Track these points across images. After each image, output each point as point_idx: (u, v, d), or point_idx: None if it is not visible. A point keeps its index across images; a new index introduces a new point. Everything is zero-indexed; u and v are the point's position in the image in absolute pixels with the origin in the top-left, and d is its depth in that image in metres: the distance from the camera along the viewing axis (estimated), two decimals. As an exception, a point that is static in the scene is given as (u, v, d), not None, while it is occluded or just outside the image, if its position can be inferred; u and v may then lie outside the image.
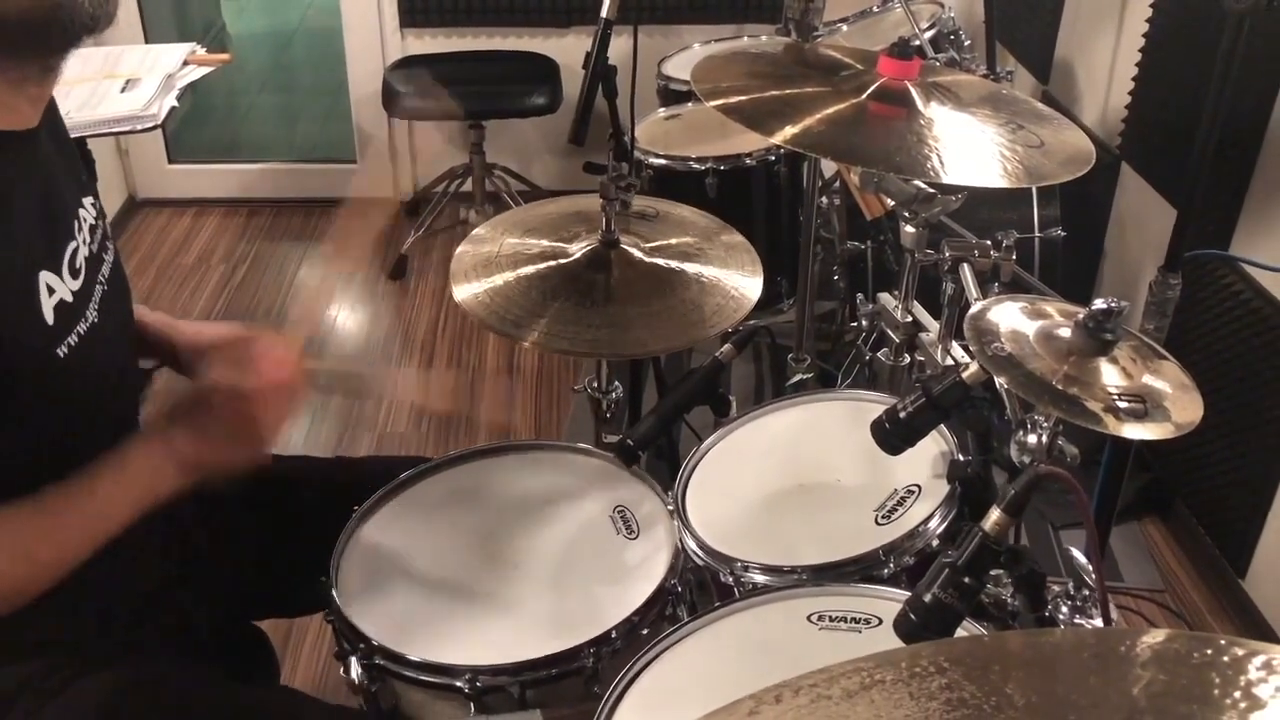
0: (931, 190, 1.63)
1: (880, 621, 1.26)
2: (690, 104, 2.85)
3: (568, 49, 3.88)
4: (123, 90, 2.52)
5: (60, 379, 1.21)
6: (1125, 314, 1.15)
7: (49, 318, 1.19)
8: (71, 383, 1.23)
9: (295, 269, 3.81)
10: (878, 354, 1.87)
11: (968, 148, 1.45)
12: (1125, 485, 2.01)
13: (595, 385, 1.92)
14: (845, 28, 3.02)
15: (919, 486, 1.46)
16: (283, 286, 3.70)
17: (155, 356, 1.53)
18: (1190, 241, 1.85)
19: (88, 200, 1.35)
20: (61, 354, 1.21)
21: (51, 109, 1.30)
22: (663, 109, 2.87)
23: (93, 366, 1.27)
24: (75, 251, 1.27)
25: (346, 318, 3.57)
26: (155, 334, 1.52)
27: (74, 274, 1.25)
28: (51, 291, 1.20)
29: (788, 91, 1.55)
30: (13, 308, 1.16)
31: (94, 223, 1.34)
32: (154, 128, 2.50)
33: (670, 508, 1.50)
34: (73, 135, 2.47)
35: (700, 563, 1.43)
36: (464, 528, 1.53)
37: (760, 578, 1.38)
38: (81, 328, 1.24)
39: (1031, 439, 1.22)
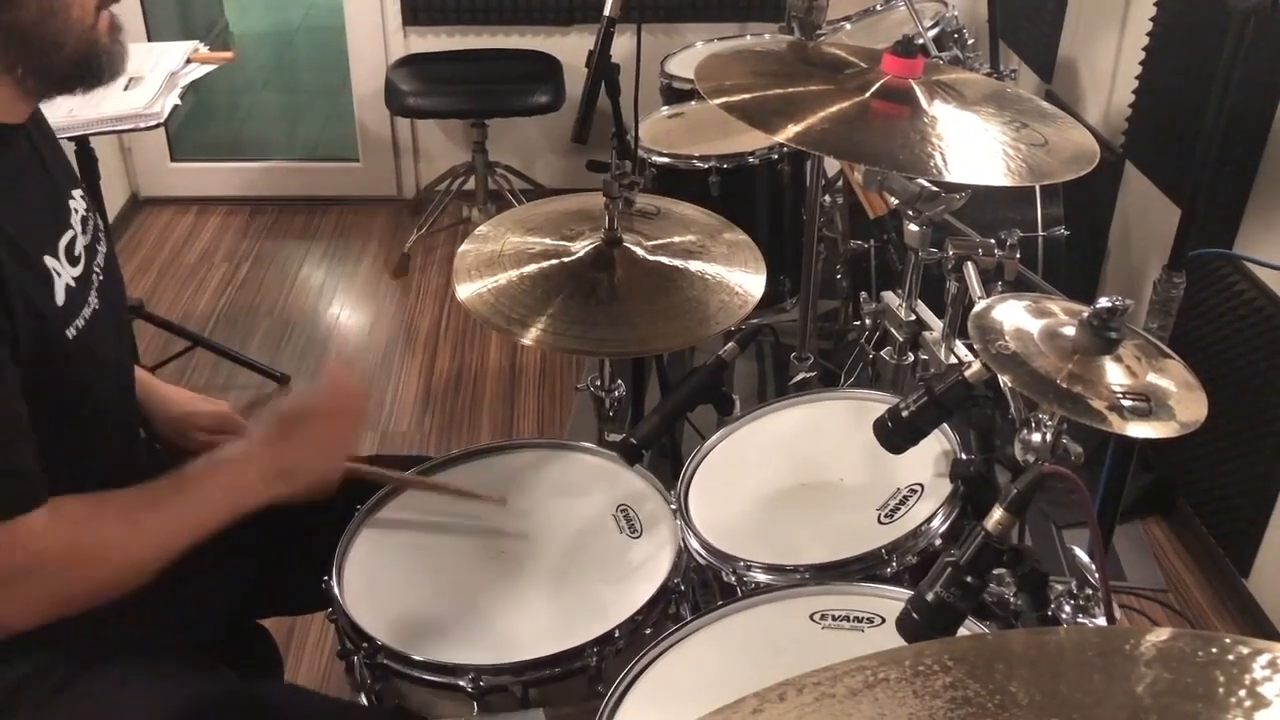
0: (935, 189, 1.63)
1: (883, 620, 1.25)
2: (693, 102, 2.85)
3: (570, 47, 3.88)
4: (125, 88, 2.52)
5: (71, 361, 1.25)
6: (1129, 313, 1.15)
7: (60, 299, 1.24)
8: (80, 365, 1.27)
9: (298, 268, 3.81)
10: (881, 353, 1.87)
11: (971, 146, 1.45)
12: (1128, 484, 2.01)
13: (598, 384, 1.92)
14: (848, 26, 3.01)
15: (922, 485, 1.46)
16: (285, 285, 3.71)
17: None
18: (1194, 240, 1.84)
19: (76, 192, 1.38)
20: (71, 335, 1.25)
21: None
22: (665, 107, 2.87)
23: (97, 352, 1.30)
24: (73, 240, 1.31)
25: (349, 316, 3.58)
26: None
27: (73, 261, 1.29)
28: (58, 275, 1.25)
29: (791, 90, 1.55)
30: (34, 285, 1.20)
31: (85, 214, 1.37)
32: (157, 126, 2.50)
33: (673, 506, 1.50)
34: (76, 133, 2.51)
35: (703, 562, 1.43)
36: (467, 527, 1.52)
37: (763, 577, 1.38)
38: (86, 312, 1.28)
39: (1035, 437, 1.22)
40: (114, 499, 1.24)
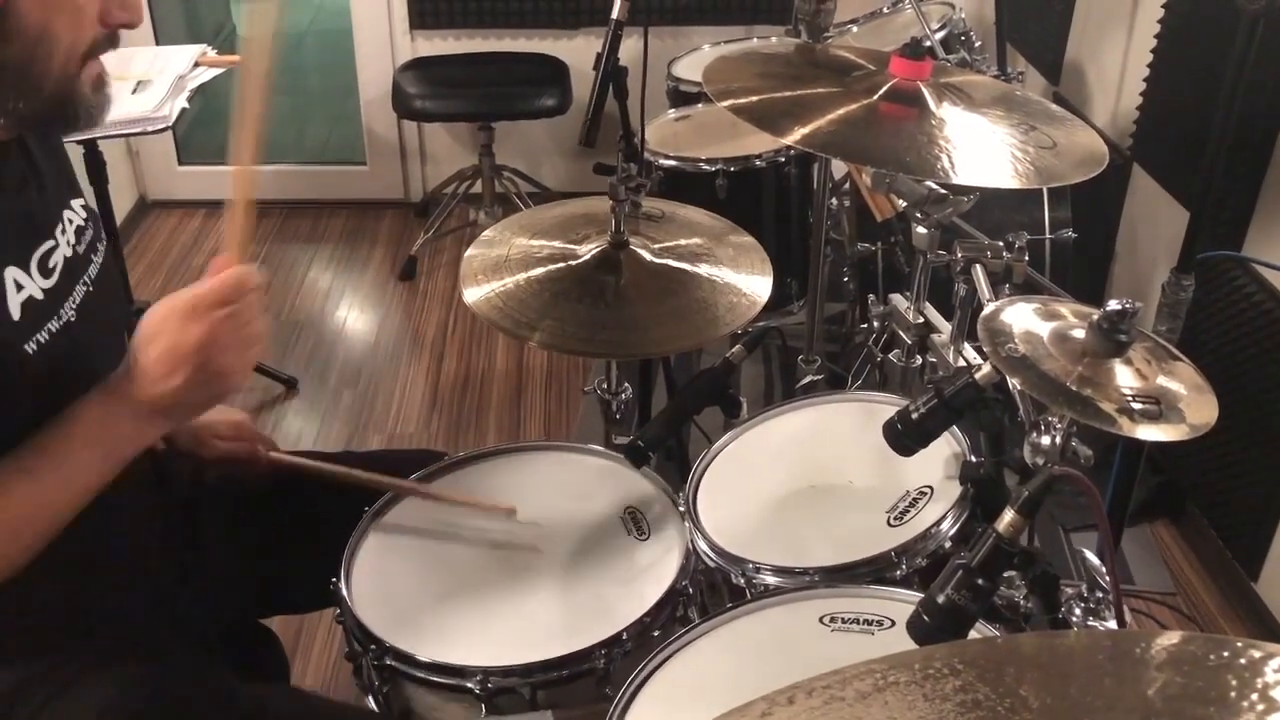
0: (943, 191, 1.63)
1: (893, 623, 1.25)
2: (700, 105, 2.85)
3: (577, 50, 3.89)
4: (134, 92, 2.53)
5: (28, 376, 1.19)
6: (1139, 315, 1.15)
7: (14, 313, 1.18)
8: (41, 381, 1.21)
9: (305, 270, 3.82)
10: (889, 355, 1.87)
11: (979, 148, 1.45)
12: (1136, 488, 2.01)
13: (605, 386, 1.92)
14: (855, 28, 3.01)
15: (931, 488, 1.46)
16: (292, 288, 3.71)
17: None
18: (1203, 243, 1.84)
19: (76, 203, 1.35)
20: (30, 350, 1.19)
21: None
22: (672, 110, 2.87)
23: (66, 366, 1.24)
24: (50, 252, 1.26)
25: (356, 318, 3.58)
26: None
27: (45, 273, 1.24)
28: (20, 287, 1.20)
29: (799, 92, 1.55)
30: None
31: (82, 225, 1.33)
32: (165, 129, 2.51)
33: (681, 509, 1.50)
34: (84, 137, 2.50)
35: (711, 564, 1.42)
36: (474, 529, 1.52)
37: (772, 579, 1.38)
38: (53, 325, 1.23)
39: (1045, 440, 1.21)
40: None
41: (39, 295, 1.22)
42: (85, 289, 1.31)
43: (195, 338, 1.16)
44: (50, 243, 1.27)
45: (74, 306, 1.27)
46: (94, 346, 1.32)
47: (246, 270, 1.21)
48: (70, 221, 1.32)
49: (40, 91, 1.16)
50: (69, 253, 1.29)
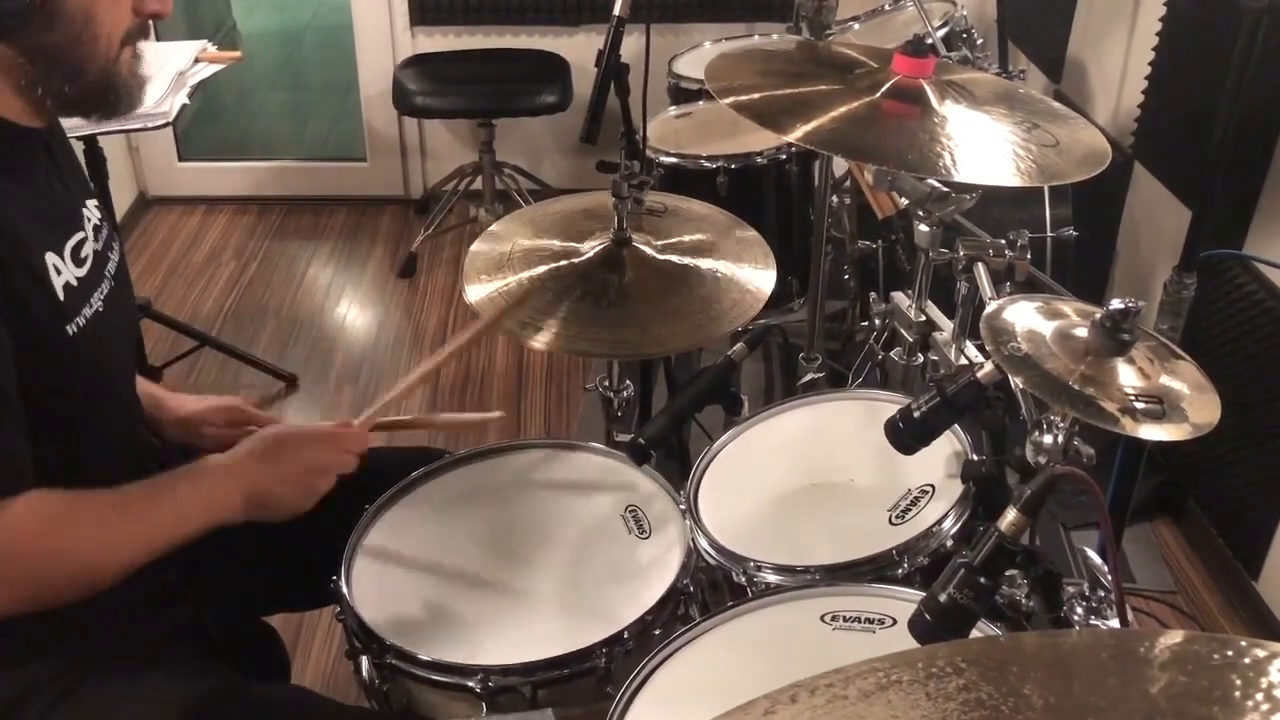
0: (945, 189, 1.63)
1: (894, 622, 1.25)
2: (701, 102, 2.85)
3: (578, 47, 3.88)
4: (134, 88, 2.52)
5: (70, 357, 1.26)
6: (1141, 314, 1.15)
7: (60, 295, 1.25)
8: (80, 363, 1.28)
9: (305, 267, 3.81)
10: (890, 353, 1.87)
11: (982, 146, 1.44)
12: (1137, 486, 2.01)
13: (606, 384, 1.92)
14: (857, 26, 3.01)
15: (933, 486, 1.46)
16: (292, 284, 3.71)
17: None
18: (1205, 241, 1.84)
19: (91, 202, 1.40)
20: (71, 332, 1.26)
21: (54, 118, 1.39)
22: (673, 107, 2.87)
23: (99, 353, 1.31)
24: (81, 243, 1.32)
25: (356, 316, 3.58)
26: (142, 404, 1.55)
27: (78, 263, 1.30)
28: (59, 272, 1.26)
29: (801, 89, 1.55)
30: (30, 276, 1.21)
31: (98, 224, 1.39)
32: (165, 125, 2.50)
33: (682, 507, 1.50)
34: (84, 133, 2.50)
35: (713, 562, 1.42)
36: (475, 527, 1.52)
37: (773, 577, 1.37)
38: (88, 312, 1.29)
39: (1047, 439, 1.21)
40: (91, 500, 1.24)
41: (74, 283, 1.28)
42: (109, 283, 1.37)
43: (313, 468, 1.35)
44: (81, 234, 1.33)
45: (102, 298, 1.33)
46: (115, 338, 1.39)
47: (365, 437, 1.43)
48: (89, 219, 1.37)
49: (85, 75, 1.24)
50: (95, 247, 1.36)
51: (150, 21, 1.29)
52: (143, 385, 1.57)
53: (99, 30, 1.22)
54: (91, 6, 1.20)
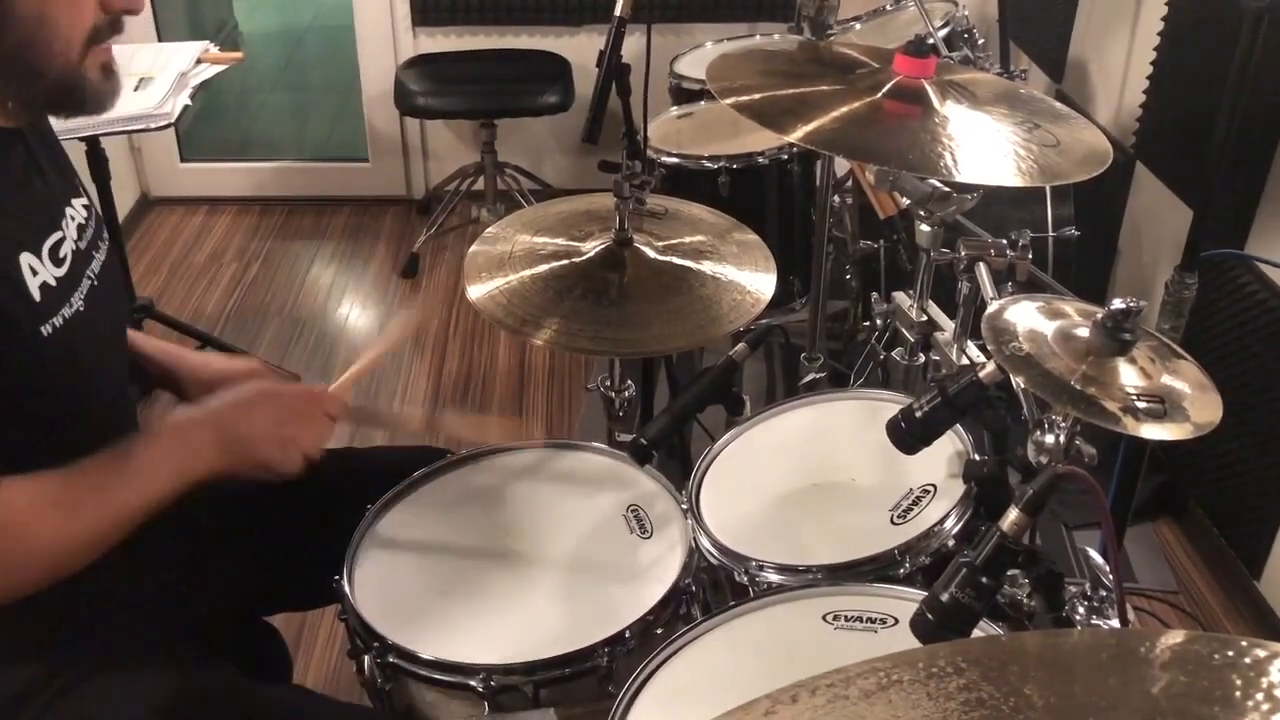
0: (947, 189, 1.63)
1: (896, 621, 1.25)
2: (702, 102, 2.85)
3: (580, 47, 3.88)
4: (136, 89, 2.53)
5: (45, 358, 1.24)
6: (1142, 314, 1.15)
7: (36, 295, 1.23)
8: (56, 365, 1.25)
9: (307, 267, 3.82)
10: (892, 353, 1.87)
11: (983, 146, 1.44)
12: (1139, 486, 2.01)
13: (608, 384, 1.92)
14: (858, 26, 3.01)
15: (934, 486, 1.46)
16: (294, 285, 3.71)
17: (158, 384, 1.57)
18: (1206, 241, 1.84)
19: (78, 202, 1.38)
20: (46, 333, 1.23)
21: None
22: (675, 108, 2.87)
23: (78, 353, 1.29)
24: (60, 243, 1.30)
25: (358, 316, 3.58)
26: (159, 362, 1.56)
27: (56, 263, 1.28)
28: (35, 272, 1.24)
29: (802, 89, 1.55)
30: (1, 277, 1.19)
31: (83, 223, 1.37)
32: (167, 126, 2.51)
33: (684, 506, 1.50)
34: (86, 134, 2.51)
35: (714, 562, 1.42)
36: (477, 526, 1.52)
37: (775, 577, 1.38)
38: (66, 312, 1.27)
39: (1049, 439, 1.21)
40: (55, 481, 1.21)
41: (52, 283, 1.26)
42: (90, 282, 1.34)
43: (289, 421, 1.37)
44: (59, 234, 1.31)
45: (82, 297, 1.31)
46: (99, 338, 1.36)
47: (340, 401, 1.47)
48: (72, 219, 1.35)
49: (42, 78, 1.19)
50: (74, 247, 1.33)
51: (123, 18, 1.24)
52: (163, 345, 1.58)
53: (54, 32, 1.17)
54: (44, 8, 1.15)
